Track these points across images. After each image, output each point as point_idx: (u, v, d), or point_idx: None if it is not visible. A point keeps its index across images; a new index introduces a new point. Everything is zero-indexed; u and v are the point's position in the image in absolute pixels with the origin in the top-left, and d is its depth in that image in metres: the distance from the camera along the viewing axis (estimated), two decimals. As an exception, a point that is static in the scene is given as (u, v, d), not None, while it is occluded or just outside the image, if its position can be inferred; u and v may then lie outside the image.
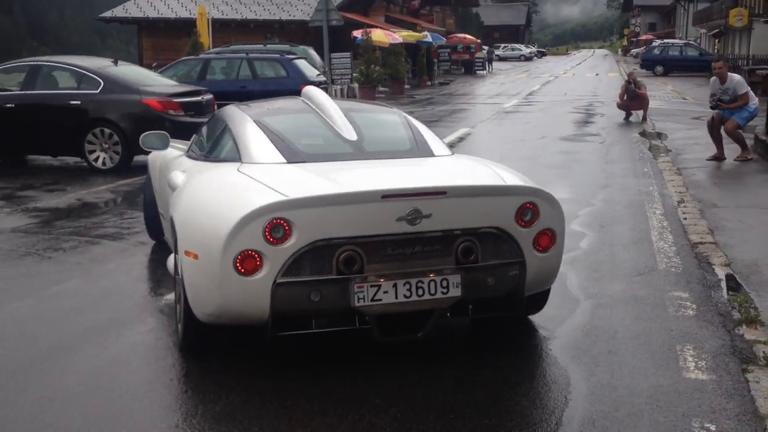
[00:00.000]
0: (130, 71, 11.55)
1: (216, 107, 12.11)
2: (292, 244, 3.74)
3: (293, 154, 4.54)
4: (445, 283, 3.96)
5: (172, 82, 12.26)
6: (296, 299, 3.80)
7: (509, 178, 4.45)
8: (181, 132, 11.06)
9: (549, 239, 4.27)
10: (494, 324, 4.72)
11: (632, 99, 16.78)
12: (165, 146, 5.91)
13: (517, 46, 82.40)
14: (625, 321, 4.86)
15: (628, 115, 16.97)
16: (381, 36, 27.75)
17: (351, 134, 4.82)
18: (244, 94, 15.96)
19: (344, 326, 3.99)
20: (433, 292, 3.94)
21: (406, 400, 3.76)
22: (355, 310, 3.85)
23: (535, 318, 4.84)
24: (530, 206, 4.16)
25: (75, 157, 11.16)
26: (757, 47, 36.88)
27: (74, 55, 13.88)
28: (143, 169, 10.82)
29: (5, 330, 4.67)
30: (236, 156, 4.61)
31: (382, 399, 3.76)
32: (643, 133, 14.59)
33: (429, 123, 17.28)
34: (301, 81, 16.16)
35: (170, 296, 5.22)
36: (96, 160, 10.70)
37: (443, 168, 4.64)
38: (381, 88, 27.61)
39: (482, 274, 4.06)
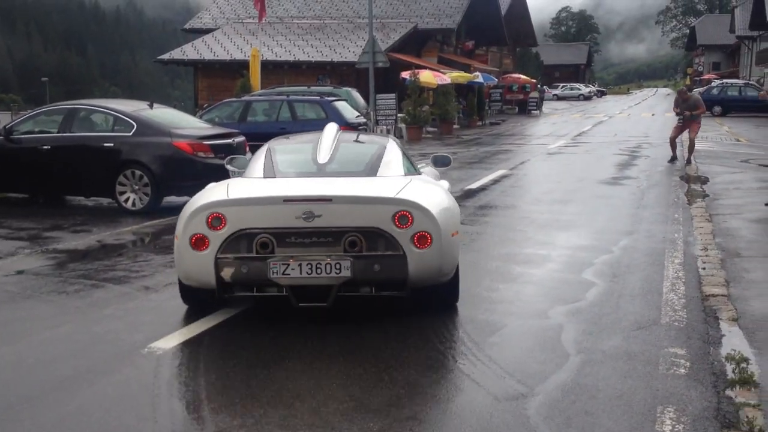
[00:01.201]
0: (164, 114, 11.81)
1: (248, 148, 12.31)
2: (225, 230, 5.35)
3: (269, 172, 6.26)
4: (338, 266, 5.33)
5: (206, 125, 12.48)
6: (232, 270, 5.38)
7: (408, 194, 5.66)
8: (211, 174, 11.30)
9: (426, 239, 5.45)
10: (472, 387, 4.60)
11: (686, 122, 16.45)
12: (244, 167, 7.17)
13: (576, 85, 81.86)
14: (611, 379, 4.66)
15: (674, 157, 16.53)
16: (429, 77, 27.88)
17: (324, 158, 6.39)
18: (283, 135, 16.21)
19: (271, 293, 5.49)
20: (328, 272, 5.33)
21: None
22: (271, 281, 5.35)
23: (517, 374, 4.71)
24: (405, 213, 5.42)
25: (108, 198, 11.40)
26: (820, 87, 35.86)
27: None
28: (172, 210, 11.07)
29: (-16, 375, 4.73)
30: (244, 172, 6.64)
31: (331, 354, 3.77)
32: (684, 177, 14.23)
33: (468, 164, 17.25)
34: (340, 123, 16.22)
35: (155, 343, 5.26)
36: (126, 201, 10.92)
37: (362, 183, 5.96)
38: (429, 128, 27.69)
39: (369, 262, 5.37)
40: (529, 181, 14.80)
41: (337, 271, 5.35)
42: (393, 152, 6.66)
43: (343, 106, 16.89)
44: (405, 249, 5.42)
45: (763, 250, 8.09)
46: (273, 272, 5.33)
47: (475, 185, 13.45)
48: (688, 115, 16.29)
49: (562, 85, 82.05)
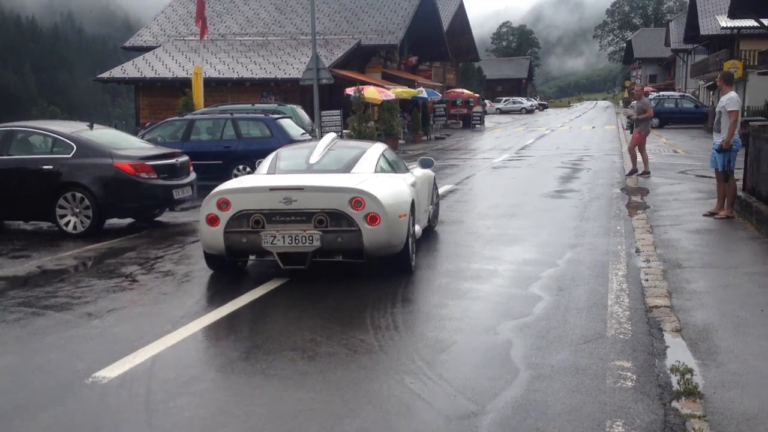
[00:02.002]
0: (104, 134, 11.58)
1: (191, 168, 12.17)
2: (230, 211, 7.29)
3: (272, 169, 8.34)
4: (310, 238, 7.18)
5: (148, 145, 12.28)
6: (236, 241, 7.34)
7: (371, 183, 7.56)
8: (154, 195, 11.15)
9: (376, 219, 7.21)
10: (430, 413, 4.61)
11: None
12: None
13: (518, 99, 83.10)
14: (561, 394, 4.71)
15: (633, 170, 16.64)
16: (373, 93, 27.97)
17: (314, 159, 8.36)
18: (228, 155, 16.06)
19: (264, 259, 7.64)
20: (304, 242, 7.20)
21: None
22: (265, 249, 7.26)
23: (467, 392, 4.73)
24: (359, 199, 7.20)
25: (48, 222, 11.12)
26: (752, 98, 37.05)
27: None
28: (114, 233, 10.90)
29: None
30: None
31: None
32: (625, 189, 14.53)
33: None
34: (285, 140, 16.20)
35: (99, 372, 5.13)
36: (67, 224, 10.67)
37: (333, 177, 7.80)
38: (375, 144, 27.72)
39: (333, 235, 7.22)
40: (475, 195, 14.94)
41: (310, 242, 7.21)
42: (370, 155, 8.56)
43: (288, 124, 16.82)
44: (360, 226, 7.21)
45: (703, 261, 8.29)
46: (264, 242, 7.24)
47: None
48: (634, 118, 16.73)
49: (504, 98, 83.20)
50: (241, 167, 15.99)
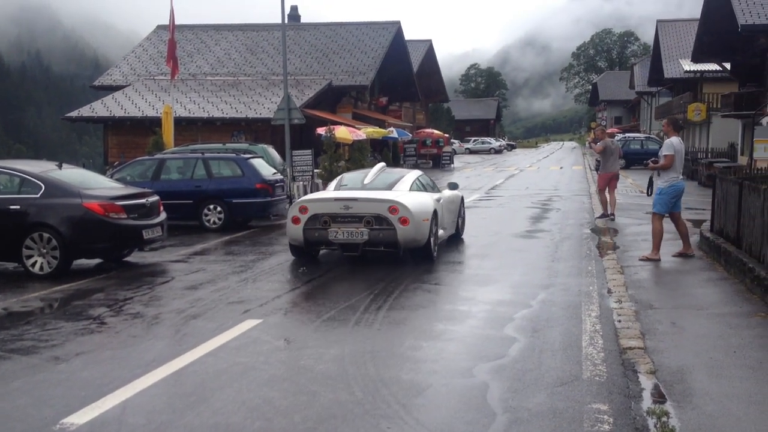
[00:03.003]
0: (73, 174, 11.44)
1: (162, 207, 12.06)
2: (308, 214, 10.60)
3: (338, 187, 11.82)
4: (361, 233, 10.40)
5: (118, 185, 12.16)
6: (312, 235, 10.63)
7: (404, 196, 10.94)
8: (124, 235, 11.01)
9: (406, 221, 10.39)
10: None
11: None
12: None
13: (487, 139, 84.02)
14: (538, 438, 4.67)
15: (604, 213, 16.57)
16: (345, 133, 28.10)
17: (367, 180, 11.81)
18: (198, 194, 15.97)
19: (331, 249, 11.07)
20: (356, 237, 10.42)
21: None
22: (331, 241, 10.52)
23: (445, 436, 4.67)
24: (394, 207, 10.41)
25: (14, 263, 10.91)
26: (715, 140, 37.83)
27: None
28: (82, 274, 10.72)
29: None
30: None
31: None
32: (594, 229, 14.66)
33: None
34: (257, 180, 16.21)
35: (67, 419, 4.99)
36: (33, 265, 10.48)
37: (380, 194, 11.01)
38: (345, 184, 27.79)
39: (377, 232, 10.41)
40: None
41: (361, 236, 10.51)
42: (408, 178, 12.03)
43: (259, 164, 16.80)
44: (395, 226, 10.46)
45: (675, 302, 8.36)
46: (330, 236, 10.59)
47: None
48: (596, 164, 17.01)
49: (473, 139, 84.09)
50: (211, 207, 15.90)
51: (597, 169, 17.39)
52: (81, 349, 6.79)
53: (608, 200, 16.66)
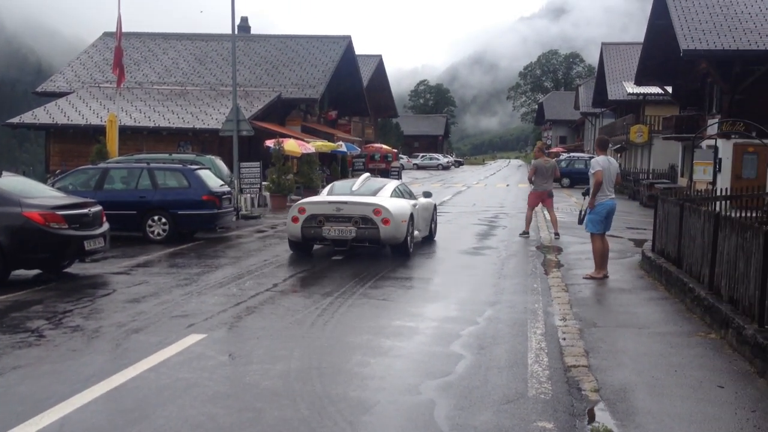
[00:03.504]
0: (13, 182, 11.13)
1: (105, 218, 11.81)
2: (305, 214, 12.73)
3: (330, 193, 13.94)
4: (350, 231, 12.55)
5: (59, 194, 11.87)
6: (308, 232, 12.75)
7: (387, 200, 13.07)
8: (65, 245, 10.74)
9: (388, 221, 12.45)
10: None
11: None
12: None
13: (435, 155, 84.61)
14: (485, 456, 4.67)
15: (526, 231, 16.79)
16: (293, 146, 27.98)
17: (355, 188, 13.81)
18: (143, 205, 15.69)
19: (324, 244, 13.17)
20: (346, 234, 12.58)
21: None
22: (324, 237, 12.68)
23: (391, 455, 4.64)
24: (378, 209, 12.49)
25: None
26: (656, 162, 38.76)
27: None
28: (20, 285, 10.41)
29: None
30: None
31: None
32: (540, 247, 14.84)
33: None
34: (203, 192, 15.99)
35: (1, 435, 4.82)
36: (-30, 275, 10.15)
37: (365, 198, 13.09)
38: (294, 197, 27.66)
39: (363, 230, 12.55)
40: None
41: (349, 234, 12.52)
42: (389, 186, 14.14)
43: (206, 175, 16.59)
44: (378, 225, 12.48)
45: (617, 321, 8.49)
46: (324, 233, 12.62)
47: (342, 256, 13.47)
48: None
49: (421, 154, 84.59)
50: (156, 218, 15.64)
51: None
52: (18, 362, 6.58)
53: (552, 219, 16.95)
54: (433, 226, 15.61)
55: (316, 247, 13.67)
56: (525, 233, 16.56)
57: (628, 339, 7.60)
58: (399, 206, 13.01)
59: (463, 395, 5.82)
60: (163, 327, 7.97)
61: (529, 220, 16.94)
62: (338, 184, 14.63)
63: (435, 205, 16.08)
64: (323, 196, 13.93)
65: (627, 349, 7.21)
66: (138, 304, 9.16)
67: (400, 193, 14.12)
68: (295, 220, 12.80)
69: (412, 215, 13.29)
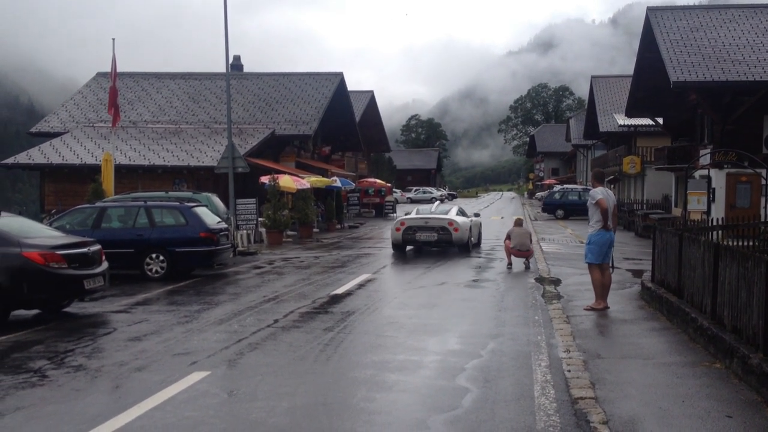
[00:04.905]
0: (12, 222, 11.14)
1: (104, 256, 11.79)
2: (405, 226, 20.76)
3: (418, 213, 21.81)
4: (434, 236, 20.46)
5: (58, 233, 11.87)
6: (406, 237, 20.75)
7: (455, 216, 21.09)
8: (64, 285, 10.71)
9: (457, 230, 20.38)
10: None
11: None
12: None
13: (428, 189, 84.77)
14: (497, 490, 4.65)
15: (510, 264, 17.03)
16: (288, 181, 28.04)
17: (433, 209, 22.35)
18: (140, 243, 15.68)
19: (417, 246, 21.28)
20: (431, 238, 20.51)
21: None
22: (417, 240, 20.68)
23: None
24: (451, 222, 20.53)
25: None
26: (650, 192, 38.97)
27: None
28: (20, 325, 10.35)
29: None
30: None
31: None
32: (538, 279, 14.85)
33: (332, 268, 17.30)
34: (201, 229, 16.00)
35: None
36: (-32, 317, 10.10)
37: (442, 216, 21.01)
38: (289, 232, 27.67)
39: (442, 235, 20.43)
40: (394, 284, 14.98)
41: (434, 239, 20.28)
42: (455, 209, 21.94)
43: (203, 212, 16.62)
44: (451, 233, 20.16)
45: (622, 352, 8.49)
46: (417, 238, 20.39)
47: (340, 290, 13.46)
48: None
49: (415, 188, 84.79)
50: (154, 256, 15.62)
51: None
52: (22, 403, 6.53)
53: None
54: (480, 236, 23.49)
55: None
56: (510, 265, 16.69)
57: (634, 370, 7.59)
58: (463, 221, 20.75)
59: (472, 429, 5.80)
60: (166, 365, 7.93)
61: (508, 252, 17.48)
62: (421, 208, 22.62)
63: (481, 222, 24.15)
64: (414, 215, 21.13)
65: (633, 380, 7.20)
66: (139, 343, 9.12)
67: (461, 212, 21.89)
68: (397, 230, 20.38)
69: (470, 227, 21.00)
